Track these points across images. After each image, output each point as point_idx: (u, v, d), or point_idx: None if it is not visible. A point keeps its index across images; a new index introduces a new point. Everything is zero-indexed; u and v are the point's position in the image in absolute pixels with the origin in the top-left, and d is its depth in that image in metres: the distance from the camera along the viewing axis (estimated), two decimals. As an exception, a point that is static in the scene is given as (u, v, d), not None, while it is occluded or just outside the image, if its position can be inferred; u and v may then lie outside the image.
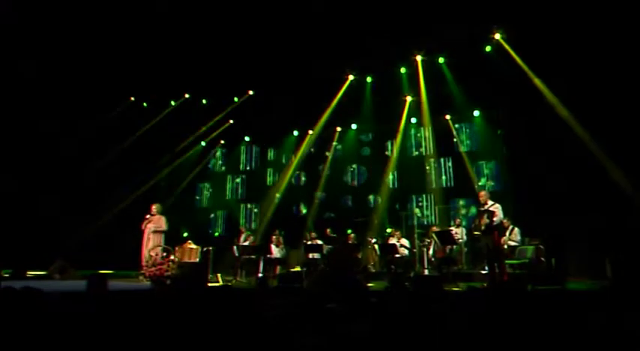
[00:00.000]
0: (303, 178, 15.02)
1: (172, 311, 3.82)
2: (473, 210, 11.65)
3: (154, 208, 8.95)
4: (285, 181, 14.64)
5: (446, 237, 8.53)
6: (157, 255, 7.67)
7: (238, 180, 15.81)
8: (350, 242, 10.22)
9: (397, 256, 9.51)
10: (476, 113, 12.62)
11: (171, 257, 7.75)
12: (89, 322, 3.06)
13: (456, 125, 13.16)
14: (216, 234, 15.05)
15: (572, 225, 9.12)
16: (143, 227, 8.81)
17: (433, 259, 9.55)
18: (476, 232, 7.45)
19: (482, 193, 7.57)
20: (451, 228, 10.08)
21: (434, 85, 12.17)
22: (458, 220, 10.48)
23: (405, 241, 10.03)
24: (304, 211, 14.40)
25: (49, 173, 11.28)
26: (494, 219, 7.04)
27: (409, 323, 3.15)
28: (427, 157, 13.56)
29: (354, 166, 14.59)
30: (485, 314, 3.82)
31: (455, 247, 9.14)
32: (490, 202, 7.33)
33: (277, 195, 14.84)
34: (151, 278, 7.07)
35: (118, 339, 2.80)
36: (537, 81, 10.15)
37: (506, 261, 8.14)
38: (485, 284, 7.23)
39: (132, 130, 13.69)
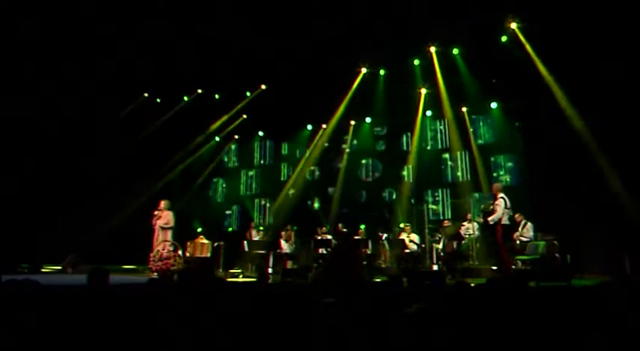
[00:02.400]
0: (317, 173, 15.18)
1: (169, 304, 3.98)
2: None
3: (162, 204, 9.31)
4: (295, 174, 14.82)
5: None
6: (164, 249, 8.01)
7: (252, 173, 16.09)
8: (358, 237, 10.35)
9: (407, 251, 9.60)
10: (493, 105, 12.47)
11: (179, 252, 8.08)
12: (84, 314, 3.24)
13: (473, 116, 13.05)
14: (230, 229, 15.41)
15: (590, 220, 8.98)
16: (153, 223, 9.19)
17: (442, 254, 9.59)
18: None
19: (494, 186, 7.62)
20: (463, 223, 10.10)
21: (448, 76, 12.12)
22: (469, 215, 10.46)
23: (414, 237, 10.10)
24: (317, 205, 14.57)
25: (64, 170, 11.79)
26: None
27: (380, 321, 3.24)
28: (444, 150, 13.53)
29: (369, 160, 14.64)
30: (469, 310, 3.87)
31: (464, 242, 9.16)
32: (499, 196, 7.36)
33: (291, 190, 15.10)
34: (158, 272, 7.41)
35: (113, 332, 2.94)
36: (544, 71, 9.95)
37: (517, 257, 8.14)
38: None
39: (146, 126, 14.11)
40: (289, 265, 11.02)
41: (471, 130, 12.95)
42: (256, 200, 15.81)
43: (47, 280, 4.68)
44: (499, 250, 7.19)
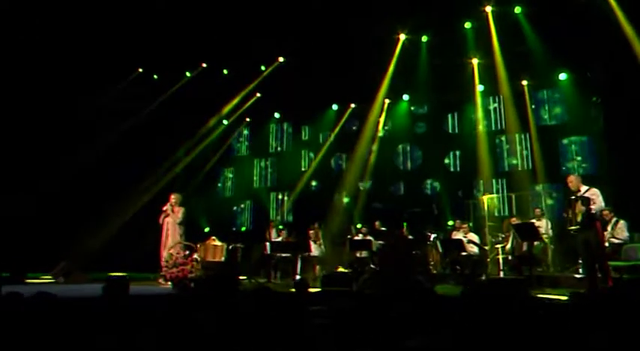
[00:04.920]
0: (344, 162, 14.84)
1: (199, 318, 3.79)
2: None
3: (173, 198, 9.01)
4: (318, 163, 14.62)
5: (527, 231, 8.13)
6: (177, 253, 7.75)
7: (268, 162, 15.88)
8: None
9: (463, 254, 9.23)
10: (563, 76, 11.97)
11: (195, 256, 7.82)
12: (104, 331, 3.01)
13: (538, 92, 12.60)
14: (243, 229, 15.19)
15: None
16: (161, 221, 8.93)
17: (510, 258, 9.19)
18: (572, 227, 6.96)
19: (572, 177, 7.10)
20: (532, 220, 9.67)
21: (507, 43, 11.61)
22: (538, 210, 10.00)
23: (473, 236, 9.73)
24: (346, 200, 14.25)
25: (53, 164, 11.59)
26: (593, 207, 6.57)
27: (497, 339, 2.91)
28: (499, 132, 13.10)
29: (407, 145, 14.26)
30: (586, 330, 3.52)
31: (536, 243, 8.72)
32: (584, 188, 6.88)
33: (313, 182, 14.79)
34: (173, 280, 7.16)
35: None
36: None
37: (609, 263, 7.69)
38: (581, 291, 6.85)
39: (140, 107, 13.79)
40: (318, 270, 10.78)
41: (533, 107, 12.49)
42: (272, 194, 15.54)
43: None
44: (600, 253, 6.71)
